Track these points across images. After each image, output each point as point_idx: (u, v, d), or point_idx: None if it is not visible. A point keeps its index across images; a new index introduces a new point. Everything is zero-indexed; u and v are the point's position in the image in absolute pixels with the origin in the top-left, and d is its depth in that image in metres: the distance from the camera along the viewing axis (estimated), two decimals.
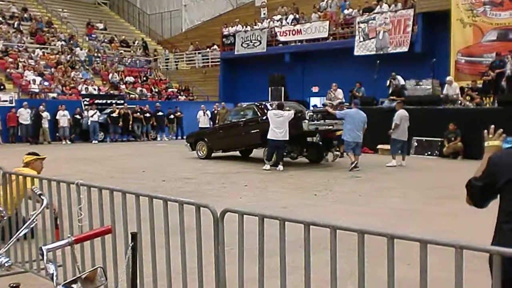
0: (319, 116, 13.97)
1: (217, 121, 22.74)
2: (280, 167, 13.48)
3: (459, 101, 17.38)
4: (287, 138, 13.33)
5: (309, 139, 14.76)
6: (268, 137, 13.44)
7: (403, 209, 8.42)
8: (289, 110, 13.68)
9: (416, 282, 2.54)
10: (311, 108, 19.89)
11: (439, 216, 7.83)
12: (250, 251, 3.28)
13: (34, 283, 4.60)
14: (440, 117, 16.38)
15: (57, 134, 23.37)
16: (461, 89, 18.10)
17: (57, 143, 22.90)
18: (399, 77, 19.22)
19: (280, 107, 13.84)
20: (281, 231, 3.00)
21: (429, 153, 16.64)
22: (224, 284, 3.38)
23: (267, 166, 13.62)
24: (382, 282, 2.72)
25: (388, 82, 19.22)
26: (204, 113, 24.70)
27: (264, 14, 29.94)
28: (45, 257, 1.95)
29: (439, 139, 16.43)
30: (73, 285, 1.90)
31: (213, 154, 16.33)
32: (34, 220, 2.75)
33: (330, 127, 14.12)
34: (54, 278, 1.90)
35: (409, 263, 4.18)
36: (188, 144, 17.19)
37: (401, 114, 14.35)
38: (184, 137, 21.83)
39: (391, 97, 18.30)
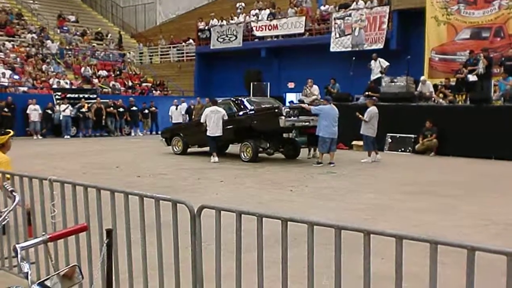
0: (295, 112, 14.02)
1: (193, 117, 22.55)
2: (216, 158, 14.32)
3: (433, 98, 17.63)
4: (221, 134, 14.29)
5: (285, 135, 14.83)
6: (208, 134, 14.23)
7: (377, 204, 8.50)
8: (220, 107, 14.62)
9: (391, 276, 2.57)
10: (288, 104, 19.97)
11: (412, 212, 7.92)
12: (227, 246, 3.27)
13: (6, 281, 4.51)
14: (414, 114, 16.60)
15: (27, 129, 22.96)
16: (435, 86, 18.37)
17: (28, 138, 22.53)
18: (381, 60, 19.43)
19: (214, 103, 14.78)
20: (258, 227, 3.00)
21: (403, 149, 16.83)
22: (201, 279, 3.37)
23: (216, 159, 14.30)
24: (358, 276, 2.75)
25: (372, 63, 19.45)
26: (176, 108, 24.31)
27: (240, 9, 29.85)
28: (19, 256, 1.91)
29: (413, 135, 16.64)
30: (47, 283, 1.87)
31: (188, 150, 16.28)
32: (6, 217, 2.70)
33: (307, 123, 14.17)
34: (29, 276, 1.87)
35: (383, 258, 4.22)
36: (164, 139, 17.11)
37: (372, 111, 14.48)
38: (159, 132, 21.74)
39: (367, 93, 18.48)
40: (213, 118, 14.19)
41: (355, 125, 14.83)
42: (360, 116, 14.46)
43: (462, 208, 8.28)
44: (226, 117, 14.32)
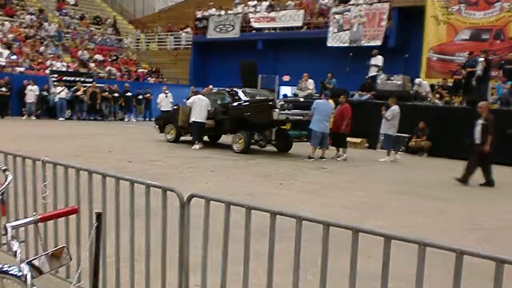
0: (290, 105, 14.02)
1: None
2: (199, 145, 14.87)
3: (429, 98, 17.63)
4: (205, 121, 14.68)
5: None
6: (193, 119, 14.59)
7: (366, 202, 8.53)
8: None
9: (377, 275, 2.58)
10: (282, 97, 19.96)
11: (400, 212, 7.96)
12: (214, 236, 3.29)
13: None
14: (409, 113, 16.56)
15: (23, 109, 22.88)
16: (431, 86, 18.33)
17: (24, 118, 22.47)
18: (380, 57, 19.44)
19: (198, 93, 15.53)
20: (247, 219, 3.02)
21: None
22: (187, 267, 3.39)
23: (197, 146, 14.79)
24: (343, 273, 2.77)
25: (380, 58, 19.47)
26: (166, 95, 23.98)
27: (238, 0, 29.74)
28: (8, 234, 1.93)
29: (407, 135, 16.65)
30: (35, 262, 1.89)
31: (181, 138, 16.26)
32: None
33: (301, 117, 14.19)
34: (18, 255, 1.88)
35: (369, 256, 4.25)
36: (157, 126, 17.09)
37: (396, 110, 14.18)
38: (152, 118, 21.66)
39: (360, 92, 18.47)
40: (198, 105, 14.57)
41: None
42: (384, 112, 14.24)
43: (450, 210, 8.33)
44: (209, 107, 14.63)
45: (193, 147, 14.79)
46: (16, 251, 1.89)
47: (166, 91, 23.18)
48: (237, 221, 3.16)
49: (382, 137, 14.82)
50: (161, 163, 11.66)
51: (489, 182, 10.94)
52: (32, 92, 22.53)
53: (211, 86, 22.53)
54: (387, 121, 14.22)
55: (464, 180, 10.87)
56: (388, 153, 14.36)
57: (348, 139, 16.87)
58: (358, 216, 7.32)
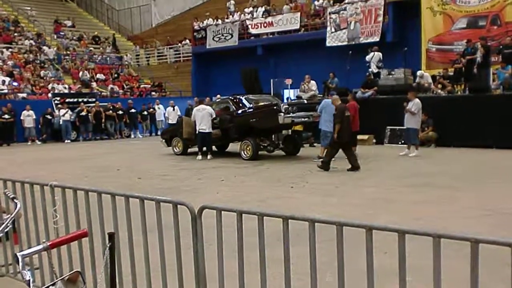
0: (294, 108, 13.99)
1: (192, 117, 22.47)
2: (202, 156, 14.86)
3: (431, 90, 17.57)
4: (211, 130, 14.68)
5: (284, 131, 14.84)
6: (198, 130, 14.64)
7: (378, 198, 8.49)
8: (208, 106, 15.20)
9: (394, 270, 2.56)
10: (285, 101, 19.97)
11: (413, 204, 7.92)
12: (228, 246, 3.27)
13: (11, 287, 4.52)
14: None
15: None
16: (433, 77, 18.30)
17: (30, 144, 22.59)
18: (371, 54, 19.47)
19: (201, 102, 15.70)
20: (259, 226, 3.00)
21: (403, 141, 16.78)
22: (204, 280, 3.37)
23: (200, 157, 14.80)
24: (361, 272, 2.74)
25: (371, 54, 19.51)
26: (173, 109, 24.12)
27: (230, 8, 29.77)
28: (20, 264, 1.91)
29: None
30: None
31: (189, 150, 16.27)
32: (9, 224, 2.70)
33: (306, 119, 14.16)
34: (31, 284, 1.86)
35: (386, 252, 4.22)
36: (163, 140, 17.11)
37: (419, 103, 14.05)
38: (159, 133, 21.71)
39: (363, 89, 18.41)
40: (199, 116, 14.58)
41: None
42: (408, 108, 14.05)
43: (463, 199, 8.27)
44: (213, 115, 14.65)
45: (197, 157, 14.84)
46: (29, 280, 1.87)
47: (173, 104, 23.38)
48: (251, 229, 3.14)
49: (402, 131, 14.80)
50: (171, 177, 11.66)
51: (353, 167, 11.65)
52: (29, 118, 22.70)
53: (218, 96, 22.69)
54: (413, 115, 14.03)
55: (324, 166, 11.78)
56: (416, 147, 14.20)
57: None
58: (372, 213, 7.29)
